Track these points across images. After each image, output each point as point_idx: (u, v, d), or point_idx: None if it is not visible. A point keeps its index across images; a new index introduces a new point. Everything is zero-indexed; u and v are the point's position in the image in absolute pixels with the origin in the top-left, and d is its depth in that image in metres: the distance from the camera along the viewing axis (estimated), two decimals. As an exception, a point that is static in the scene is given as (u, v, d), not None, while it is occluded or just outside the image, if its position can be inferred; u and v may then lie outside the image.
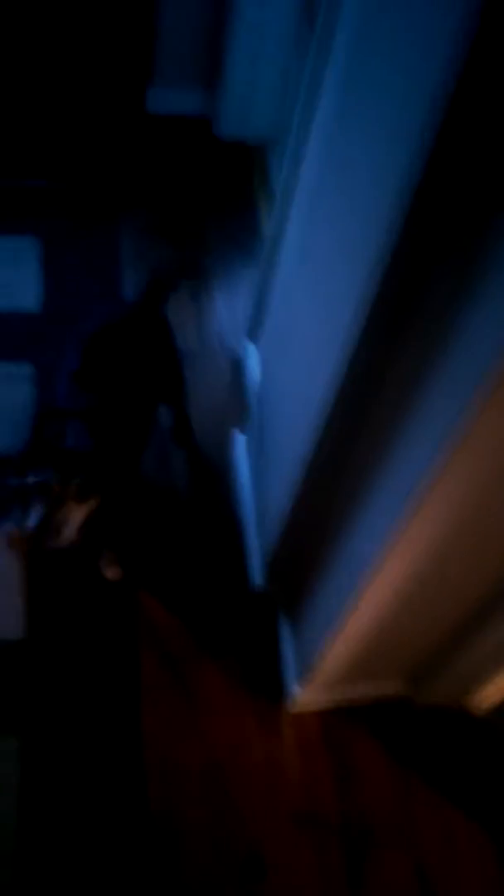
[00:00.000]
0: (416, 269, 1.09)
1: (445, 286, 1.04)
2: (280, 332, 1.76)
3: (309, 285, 1.50)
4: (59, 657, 1.75)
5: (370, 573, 1.33)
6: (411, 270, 1.10)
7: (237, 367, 2.29)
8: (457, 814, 1.68)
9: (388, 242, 1.08)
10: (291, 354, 1.61)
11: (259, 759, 1.68)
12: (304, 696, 1.71)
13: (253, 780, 1.66)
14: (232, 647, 1.82)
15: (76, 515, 1.58)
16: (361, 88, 1.25)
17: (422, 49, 1.00)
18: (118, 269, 2.46)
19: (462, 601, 1.47)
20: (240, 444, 2.08)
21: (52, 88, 2.50)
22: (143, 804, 1.60)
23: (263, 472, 1.88)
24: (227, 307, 2.45)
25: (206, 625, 1.84)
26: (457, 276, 1.01)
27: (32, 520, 1.56)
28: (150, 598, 1.85)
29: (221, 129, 2.79)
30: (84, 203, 2.60)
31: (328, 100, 1.45)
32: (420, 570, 1.33)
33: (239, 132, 2.79)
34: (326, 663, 1.61)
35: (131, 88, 2.57)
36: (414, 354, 1.14)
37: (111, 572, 1.86)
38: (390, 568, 1.31)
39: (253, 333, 2.22)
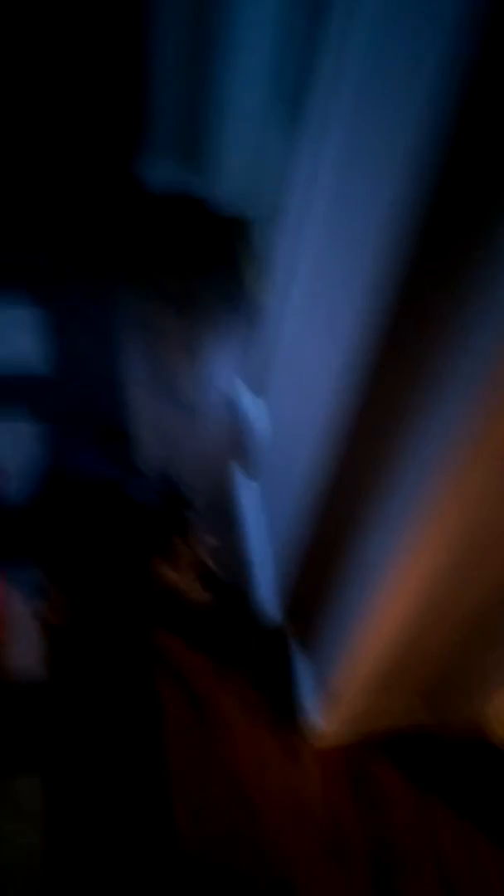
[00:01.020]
0: (417, 290, 1.20)
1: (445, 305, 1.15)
2: (287, 383, 1.86)
3: (315, 337, 1.62)
4: (81, 698, 1.77)
5: (382, 585, 1.39)
6: (412, 291, 1.21)
7: (235, 413, 2.40)
8: (482, 839, 1.69)
9: (391, 260, 1.19)
10: (300, 403, 1.71)
11: (284, 791, 1.70)
12: (326, 727, 1.73)
13: (279, 810, 1.67)
14: (251, 681, 1.85)
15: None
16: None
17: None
18: (117, 330, 2.59)
19: (480, 613, 1.53)
20: (246, 488, 2.15)
21: (45, 163, 2.67)
22: (172, 840, 1.60)
23: (274, 511, 1.95)
24: (220, 356, 2.58)
25: (226, 661, 1.87)
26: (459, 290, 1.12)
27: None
28: (169, 637, 1.89)
29: (210, 203, 2.97)
30: (82, 274, 2.76)
31: (325, 177, 1.59)
32: (434, 583, 1.40)
33: (226, 207, 2.98)
34: (345, 690, 1.64)
35: (123, 163, 2.75)
36: (425, 362, 1.23)
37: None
38: (403, 580, 1.37)
39: (256, 386, 2.33)
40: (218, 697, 1.82)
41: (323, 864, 1.61)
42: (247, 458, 2.28)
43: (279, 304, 2.03)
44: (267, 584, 1.96)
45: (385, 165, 1.21)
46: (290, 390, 1.81)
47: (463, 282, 1.09)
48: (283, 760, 1.74)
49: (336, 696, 1.66)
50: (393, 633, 1.50)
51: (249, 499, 2.13)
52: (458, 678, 1.69)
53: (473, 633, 1.57)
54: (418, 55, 1.09)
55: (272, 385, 2.12)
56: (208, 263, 2.87)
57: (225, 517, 2.16)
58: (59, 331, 2.57)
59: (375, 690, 1.67)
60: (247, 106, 2.70)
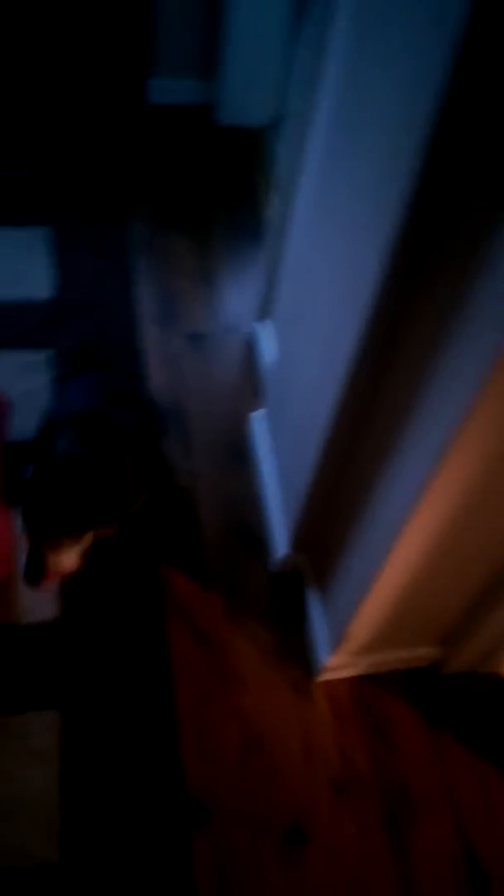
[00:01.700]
0: (437, 224, 1.10)
1: (466, 241, 1.05)
2: (295, 306, 1.77)
3: (324, 253, 1.51)
4: (92, 635, 1.76)
5: (399, 532, 1.33)
6: (432, 223, 1.11)
7: (249, 346, 2.31)
8: (492, 770, 1.68)
9: (407, 192, 1.09)
10: (309, 326, 1.62)
11: (294, 728, 1.68)
12: (335, 662, 1.71)
13: (289, 749, 1.66)
14: (260, 618, 1.82)
15: (72, 554, 1.53)
16: (369, 52, 1.26)
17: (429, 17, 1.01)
18: (127, 257, 2.48)
19: (492, 560, 1.48)
20: (257, 422, 2.09)
21: (55, 82, 2.52)
22: (180, 778, 1.60)
23: (285, 446, 1.89)
24: (234, 289, 2.46)
25: (234, 598, 1.85)
26: (479, 227, 1.02)
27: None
28: (177, 574, 1.86)
29: (221, 116, 2.81)
30: (92, 193, 2.62)
31: (334, 73, 1.47)
32: (450, 526, 1.34)
33: (238, 119, 2.82)
34: (357, 629, 1.61)
35: (132, 80, 2.60)
36: (440, 307, 1.14)
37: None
38: (419, 525, 1.32)
39: (264, 312, 2.24)
40: (226, 634, 1.79)
41: (334, 803, 1.61)
42: (258, 391, 2.21)
43: (285, 219, 1.93)
44: (279, 521, 1.91)
45: (398, 68, 1.09)
46: (297, 313, 1.73)
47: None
48: (292, 697, 1.73)
49: (349, 636, 1.62)
50: (409, 578, 1.45)
51: (261, 433, 2.07)
52: (473, 628, 1.65)
53: (491, 582, 1.52)
54: None
55: (279, 307, 2.04)
56: (224, 190, 2.72)
57: (237, 454, 2.10)
58: (69, 255, 2.45)
59: (389, 632, 1.63)
60: (255, 12, 2.52)
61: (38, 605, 1.78)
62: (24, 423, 2.02)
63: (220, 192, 2.71)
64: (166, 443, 2.08)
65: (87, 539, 1.54)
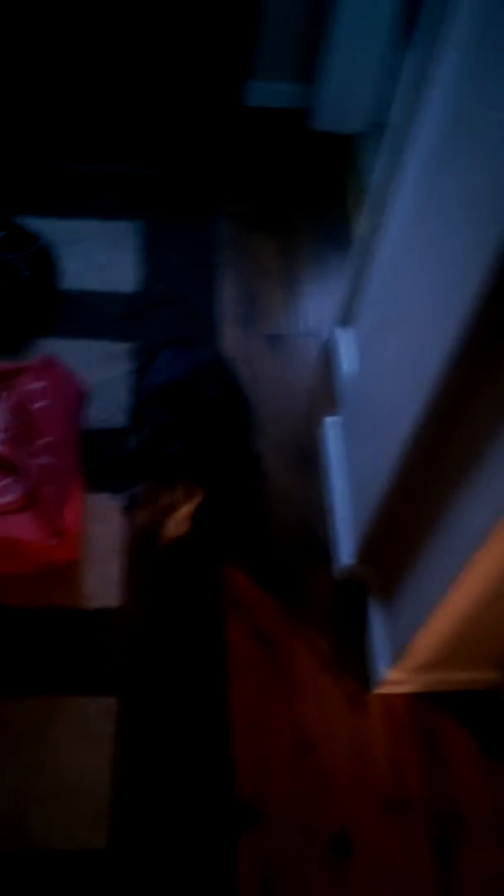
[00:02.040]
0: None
1: None
2: (380, 318, 1.76)
3: (415, 271, 1.50)
4: (153, 625, 1.78)
5: (472, 555, 1.32)
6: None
7: (327, 352, 2.31)
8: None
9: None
10: (394, 341, 1.61)
11: (347, 740, 1.68)
12: (394, 676, 1.70)
13: (341, 760, 1.65)
14: (320, 626, 1.82)
15: (184, 511, 1.71)
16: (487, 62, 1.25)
17: None
18: (212, 255, 2.50)
19: None
20: (331, 428, 2.09)
21: (157, 80, 2.55)
22: (230, 778, 1.61)
23: (358, 456, 1.89)
24: (316, 294, 2.46)
25: (295, 603, 1.85)
26: None
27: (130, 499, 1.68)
28: (240, 572, 1.87)
29: (316, 121, 2.82)
30: (184, 191, 2.66)
31: (442, 86, 1.46)
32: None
33: (333, 125, 2.82)
34: (419, 646, 1.59)
35: (232, 82, 2.61)
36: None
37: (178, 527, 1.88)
38: (494, 550, 1.30)
39: (346, 320, 2.23)
40: (284, 638, 1.80)
41: (383, 818, 1.60)
42: (333, 397, 2.21)
43: (375, 230, 1.92)
44: (346, 530, 1.91)
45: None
46: (381, 325, 1.72)
47: None
48: (347, 708, 1.72)
49: (410, 652, 1.61)
50: (478, 601, 1.43)
51: (334, 440, 2.07)
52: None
53: None
54: None
55: (362, 317, 2.03)
56: (313, 195, 2.72)
57: (307, 458, 2.10)
58: (157, 250, 2.49)
59: (451, 652, 1.61)
60: (359, 20, 2.52)
61: (103, 590, 1.81)
62: (101, 413, 2.06)
63: (309, 197, 2.71)
64: (253, 421, 2.07)
65: (195, 500, 1.72)
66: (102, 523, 1.90)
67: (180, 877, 1.50)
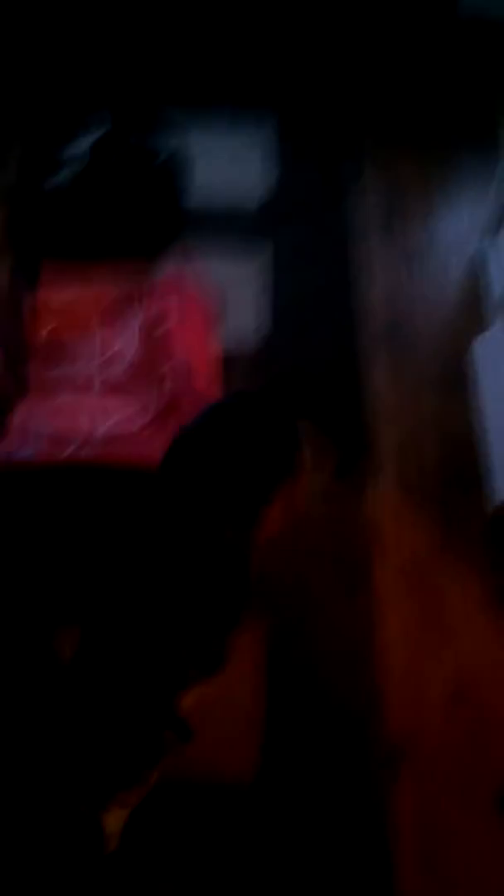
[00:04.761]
0: None
1: None
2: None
3: None
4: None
5: None
6: None
7: (475, 267, 2.09)
8: None
9: None
10: None
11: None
12: None
13: (502, 706, 1.51)
14: (474, 563, 1.67)
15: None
16: None
17: None
18: (353, 167, 2.31)
19: None
20: (481, 348, 1.89)
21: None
22: (380, 720, 1.50)
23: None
24: (461, 207, 2.24)
25: (446, 538, 1.70)
26: None
27: None
28: (383, 502, 1.73)
29: (464, 8, 2.51)
30: (323, 103, 2.46)
31: None
32: None
33: (483, 12, 2.52)
34: None
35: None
36: None
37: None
38: None
39: (496, 232, 2.01)
40: (435, 574, 1.65)
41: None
42: (483, 315, 2.01)
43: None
44: (501, 460, 1.73)
45: None
46: None
47: None
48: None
49: None
50: None
51: (485, 361, 1.87)
52: None
53: None
54: None
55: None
56: (462, 103, 2.45)
57: (454, 379, 1.92)
58: (293, 162, 2.31)
59: None
60: None
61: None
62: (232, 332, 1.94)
63: (456, 107, 2.45)
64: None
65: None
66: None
67: (328, 821, 1.41)
